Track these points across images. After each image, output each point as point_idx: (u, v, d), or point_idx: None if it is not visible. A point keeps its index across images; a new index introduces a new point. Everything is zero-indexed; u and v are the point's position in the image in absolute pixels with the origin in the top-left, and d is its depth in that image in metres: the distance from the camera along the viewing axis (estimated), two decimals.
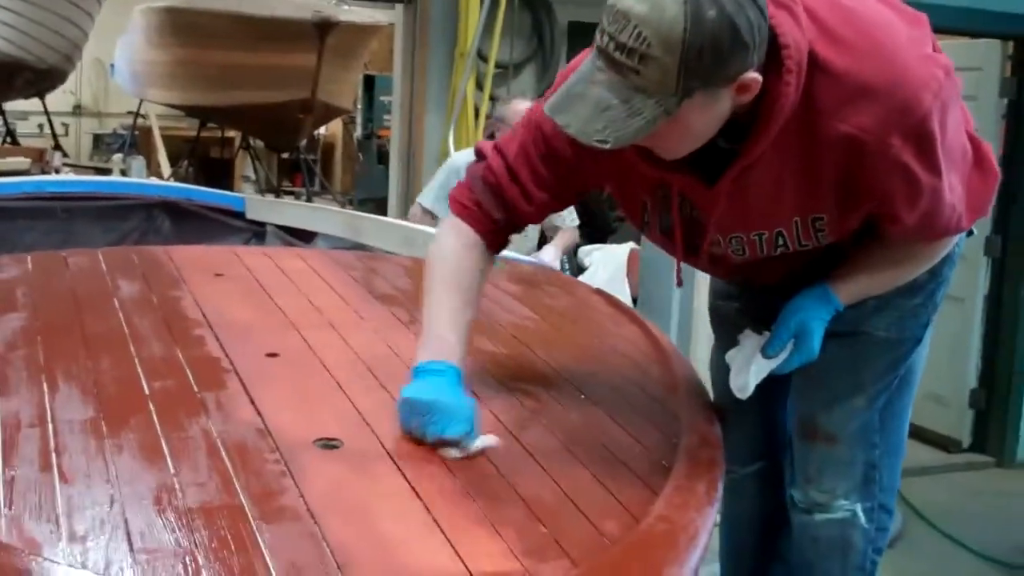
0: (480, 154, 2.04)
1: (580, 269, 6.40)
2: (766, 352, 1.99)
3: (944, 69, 1.74)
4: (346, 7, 9.78)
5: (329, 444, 1.75)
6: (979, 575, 4.61)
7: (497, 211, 1.99)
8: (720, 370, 2.27)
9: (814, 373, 2.08)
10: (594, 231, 6.13)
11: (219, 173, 12.15)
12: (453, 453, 1.74)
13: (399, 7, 5.61)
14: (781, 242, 1.91)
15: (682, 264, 2.04)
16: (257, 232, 4.91)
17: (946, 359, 5.98)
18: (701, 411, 2.06)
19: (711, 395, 2.26)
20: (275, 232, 4.86)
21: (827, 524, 2.13)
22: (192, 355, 2.07)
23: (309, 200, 11.45)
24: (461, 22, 5.31)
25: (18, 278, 2.55)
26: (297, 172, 13.10)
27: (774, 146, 1.74)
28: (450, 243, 2.00)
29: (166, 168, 11.63)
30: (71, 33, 10.29)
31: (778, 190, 1.82)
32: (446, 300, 1.93)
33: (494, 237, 2.02)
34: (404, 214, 6.08)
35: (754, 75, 1.64)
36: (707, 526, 1.65)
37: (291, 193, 12.92)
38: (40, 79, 10.29)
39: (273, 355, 2.11)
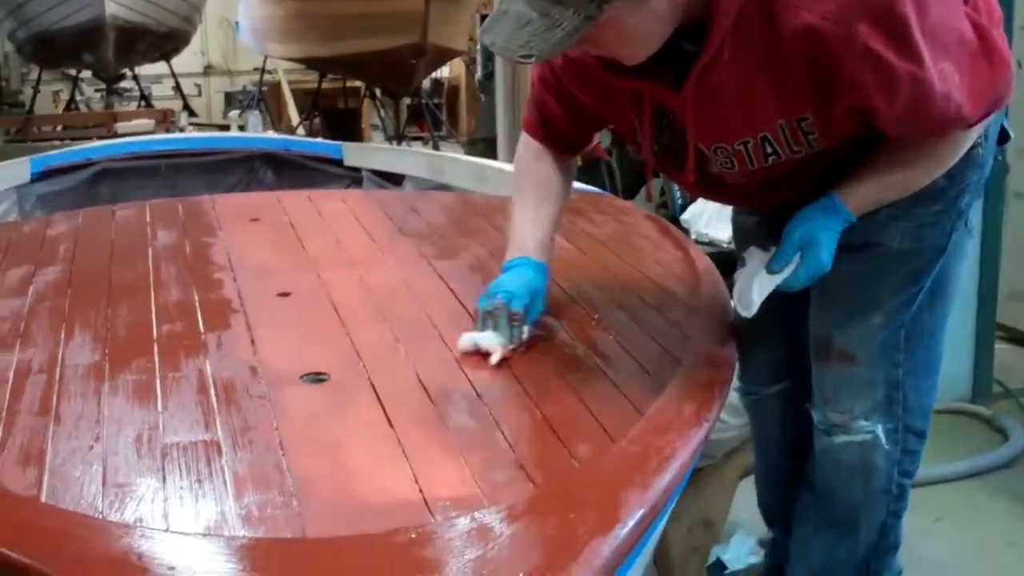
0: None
1: (685, 203, 6.32)
2: (771, 267, 1.93)
3: None
4: None
5: (317, 378, 1.78)
6: None
7: (543, 118, 2.13)
8: None
9: (828, 290, 2.01)
10: None
11: (346, 123, 12.31)
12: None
13: None
14: (770, 149, 1.83)
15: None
16: (355, 178, 4.99)
17: None
18: (714, 332, 2.03)
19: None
20: (370, 177, 4.93)
21: (847, 447, 2.07)
22: (207, 298, 2.13)
23: (435, 146, 11.53)
24: None
25: (64, 233, 2.65)
26: (423, 118, 13.18)
27: (738, 45, 1.69)
28: (522, 155, 2.20)
29: (296, 121, 11.84)
30: None
31: (750, 92, 1.76)
32: (521, 205, 2.12)
33: (555, 145, 2.15)
34: (512, 150, 6.05)
35: None
36: (690, 447, 1.61)
37: (418, 139, 13.02)
38: (162, 43, 10.58)
39: (285, 294, 2.16)
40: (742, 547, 2.91)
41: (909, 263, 2.00)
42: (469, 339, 1.88)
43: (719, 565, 2.81)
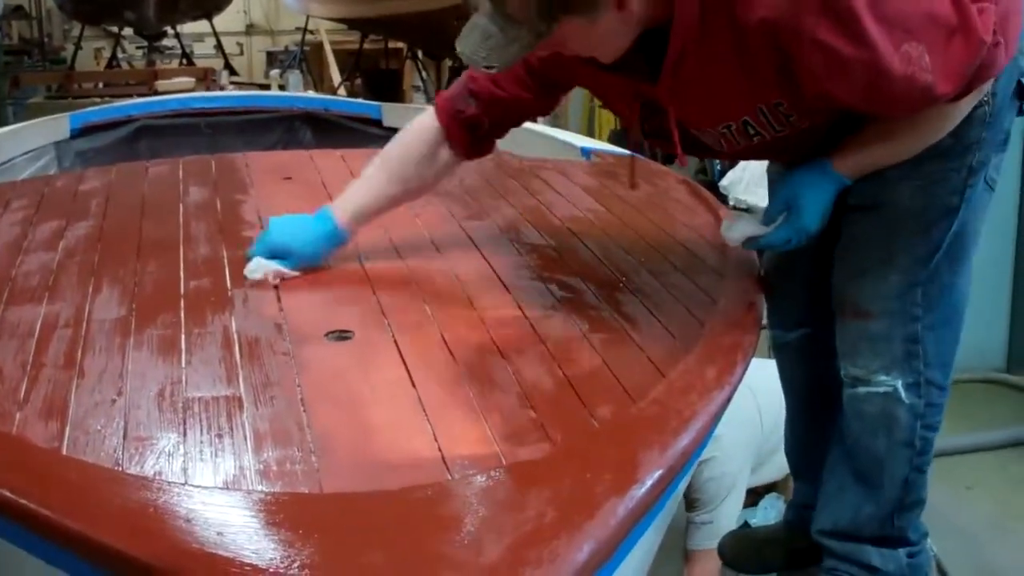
0: None
1: (724, 169, 6.28)
2: (764, 221, 2.01)
3: None
4: None
5: (341, 336, 1.79)
6: None
7: (465, 103, 2.11)
8: None
9: (844, 248, 2.05)
10: None
11: (387, 84, 12.26)
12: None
13: None
14: (752, 132, 1.90)
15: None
16: None
17: None
18: (741, 297, 2.02)
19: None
20: None
21: (869, 397, 2.07)
22: (236, 255, 2.13)
23: None
24: None
25: (97, 189, 2.66)
26: None
27: (706, 40, 1.76)
28: (411, 127, 2.19)
29: (337, 82, 11.79)
30: None
31: (723, 83, 1.82)
32: (375, 169, 2.17)
33: (460, 131, 2.13)
34: None
35: None
36: (710, 411, 1.60)
37: None
38: (204, 1, 10.54)
39: None
40: (770, 512, 2.91)
41: (920, 221, 2.00)
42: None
43: (745, 528, 2.81)
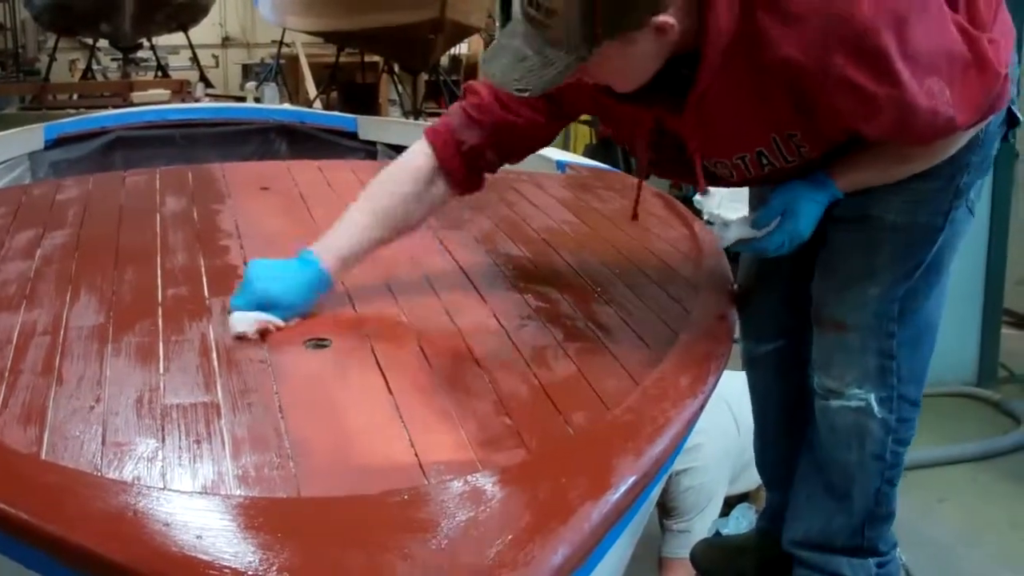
0: (468, 90, 2.07)
1: None
2: (753, 224, 2.01)
3: None
4: None
5: (319, 344, 1.80)
6: None
7: (468, 133, 2.02)
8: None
9: (826, 259, 2.07)
10: None
11: (363, 97, 12.26)
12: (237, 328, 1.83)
13: None
14: (765, 161, 1.92)
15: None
16: (370, 151, 5.00)
17: None
18: (714, 308, 2.04)
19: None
20: (385, 151, 4.94)
21: (842, 411, 2.09)
22: (213, 264, 2.15)
23: None
24: None
25: (74, 198, 2.67)
26: (440, 94, 13.12)
27: (727, 76, 1.77)
28: (399, 163, 2.07)
29: (313, 95, 11.79)
30: None
31: (741, 116, 1.84)
32: (363, 208, 2.02)
33: (458, 163, 2.03)
34: None
35: (665, 19, 1.68)
36: (683, 418, 1.62)
37: (436, 115, 12.94)
38: (180, 13, 10.54)
39: None
40: (742, 521, 2.93)
41: (903, 237, 2.02)
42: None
43: (717, 536, 2.83)
